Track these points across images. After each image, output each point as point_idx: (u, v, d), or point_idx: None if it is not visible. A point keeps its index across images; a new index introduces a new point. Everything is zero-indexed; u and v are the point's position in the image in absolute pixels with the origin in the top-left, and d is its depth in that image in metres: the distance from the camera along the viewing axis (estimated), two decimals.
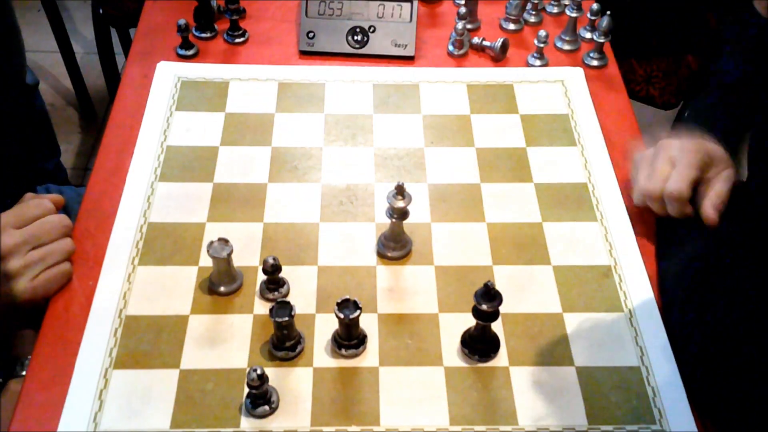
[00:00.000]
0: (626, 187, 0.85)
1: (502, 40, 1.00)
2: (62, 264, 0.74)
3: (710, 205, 0.75)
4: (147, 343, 0.70)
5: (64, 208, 0.96)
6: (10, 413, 0.66)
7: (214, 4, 1.05)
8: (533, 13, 1.07)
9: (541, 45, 0.99)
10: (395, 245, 0.77)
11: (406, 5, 1.00)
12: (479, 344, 0.70)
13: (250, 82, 0.97)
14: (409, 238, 0.78)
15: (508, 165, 0.88)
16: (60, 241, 0.74)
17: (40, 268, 0.72)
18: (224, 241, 0.72)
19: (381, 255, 0.78)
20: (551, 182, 0.86)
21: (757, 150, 0.72)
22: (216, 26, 1.04)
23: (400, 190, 0.73)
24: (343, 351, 0.69)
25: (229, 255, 0.71)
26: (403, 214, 0.74)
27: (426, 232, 0.80)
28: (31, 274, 0.71)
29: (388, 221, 0.75)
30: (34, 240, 0.72)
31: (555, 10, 1.09)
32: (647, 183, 0.78)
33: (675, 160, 0.77)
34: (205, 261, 0.76)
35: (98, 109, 2.01)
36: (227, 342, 0.71)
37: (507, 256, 0.78)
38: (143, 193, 0.83)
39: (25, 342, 0.78)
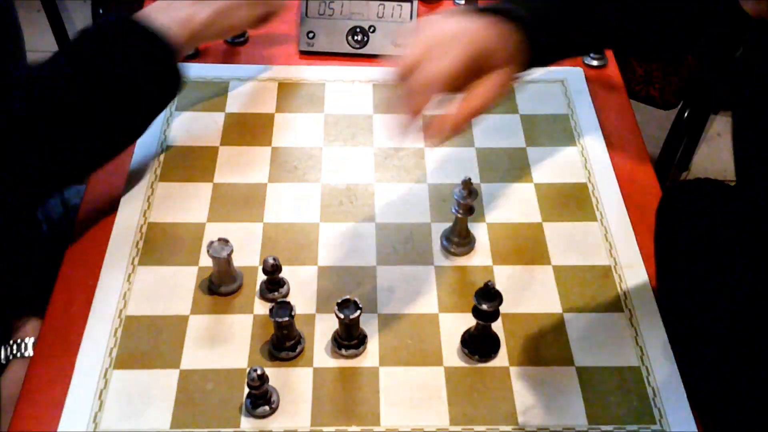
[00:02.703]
0: (626, 187, 0.85)
1: None
2: None
3: (438, 127, 0.63)
4: (147, 343, 0.70)
5: (63, 208, 0.96)
6: (11, 391, 0.67)
7: None
8: None
9: None
10: (459, 240, 0.78)
11: (406, 5, 1.00)
12: (479, 344, 0.70)
13: (250, 82, 0.97)
14: (473, 235, 0.79)
15: (508, 165, 0.88)
16: None
17: None
18: (224, 241, 0.72)
19: (446, 250, 0.78)
20: (551, 182, 0.86)
21: (740, 146, 0.72)
22: None
23: (466, 185, 0.72)
24: (343, 351, 0.69)
25: (229, 255, 0.71)
26: (469, 209, 0.74)
27: (426, 232, 0.80)
28: None
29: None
30: None
31: None
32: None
33: (434, 49, 0.62)
34: (205, 261, 0.76)
35: None
36: (227, 342, 0.71)
37: (507, 256, 0.78)
38: (143, 193, 0.83)
39: (27, 327, 0.79)
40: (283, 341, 0.69)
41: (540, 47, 0.67)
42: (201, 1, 0.79)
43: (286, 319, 0.66)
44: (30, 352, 0.77)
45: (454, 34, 0.63)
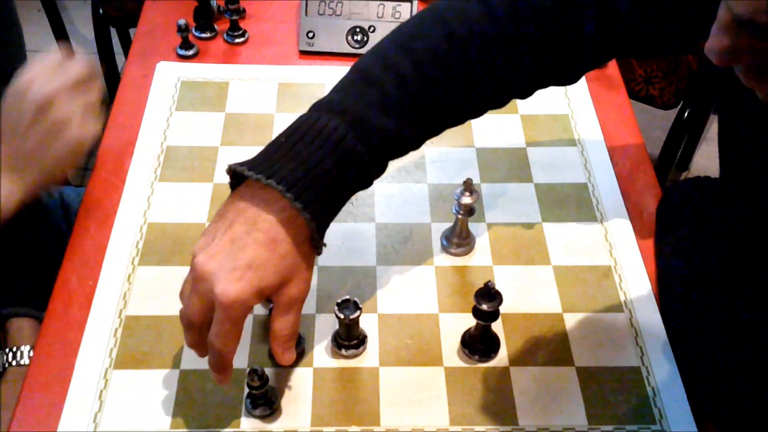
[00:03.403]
0: (626, 187, 0.85)
1: None
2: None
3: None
4: (147, 343, 0.70)
5: (63, 208, 0.96)
6: (6, 400, 0.66)
7: (214, 4, 1.05)
8: None
9: None
10: (459, 240, 0.78)
11: (406, 5, 1.00)
12: (479, 344, 0.70)
13: (250, 82, 0.97)
14: (473, 235, 0.79)
15: (508, 165, 0.88)
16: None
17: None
18: None
19: (446, 250, 0.78)
20: (551, 182, 0.86)
21: (726, 147, 0.71)
22: (216, 26, 1.04)
23: (468, 186, 0.73)
24: (344, 351, 0.69)
25: None
26: (469, 210, 0.74)
27: (426, 232, 0.80)
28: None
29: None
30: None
31: None
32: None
33: None
34: None
35: None
36: None
37: (507, 256, 0.78)
38: (143, 193, 0.83)
39: (23, 332, 0.79)
40: None
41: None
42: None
43: None
44: (26, 360, 0.77)
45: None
